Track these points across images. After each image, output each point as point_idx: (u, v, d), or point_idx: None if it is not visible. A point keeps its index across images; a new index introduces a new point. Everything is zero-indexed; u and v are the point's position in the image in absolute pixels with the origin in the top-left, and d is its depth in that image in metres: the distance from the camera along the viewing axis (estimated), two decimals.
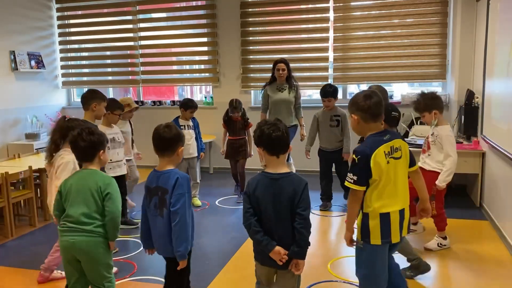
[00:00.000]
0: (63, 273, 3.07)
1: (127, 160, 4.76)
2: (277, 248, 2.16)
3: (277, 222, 2.18)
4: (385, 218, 2.31)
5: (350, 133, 4.74)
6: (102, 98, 3.87)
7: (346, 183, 2.32)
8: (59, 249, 2.71)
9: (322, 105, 4.91)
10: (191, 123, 5.12)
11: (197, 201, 5.23)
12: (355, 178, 2.27)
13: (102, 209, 2.45)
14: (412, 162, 2.48)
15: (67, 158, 3.00)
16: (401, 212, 2.35)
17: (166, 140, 2.41)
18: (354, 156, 2.31)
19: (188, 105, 5.05)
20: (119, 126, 4.50)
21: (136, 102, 7.32)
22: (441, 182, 3.60)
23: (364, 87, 7.05)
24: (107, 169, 4.11)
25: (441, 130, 3.57)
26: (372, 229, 2.32)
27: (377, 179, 2.28)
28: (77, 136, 2.50)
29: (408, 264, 3.25)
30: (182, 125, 4.99)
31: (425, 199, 2.58)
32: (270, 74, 5.42)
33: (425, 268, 3.24)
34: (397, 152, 2.34)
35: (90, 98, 3.81)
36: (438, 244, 3.77)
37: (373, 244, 2.33)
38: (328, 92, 4.71)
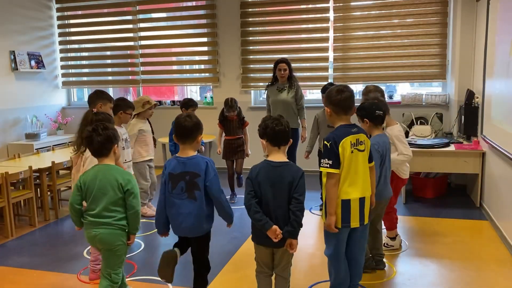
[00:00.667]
0: None
1: (149, 161, 4.77)
2: (274, 227, 2.42)
3: (275, 205, 2.45)
4: (346, 204, 2.55)
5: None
6: (108, 99, 3.89)
7: (322, 169, 2.54)
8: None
9: (322, 105, 4.91)
10: None
11: None
12: (330, 162, 2.51)
13: (122, 203, 2.59)
14: (370, 159, 2.69)
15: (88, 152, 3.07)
16: (361, 200, 2.58)
17: (188, 129, 2.63)
18: (325, 142, 2.55)
19: (188, 104, 5.07)
20: (141, 125, 4.55)
21: None
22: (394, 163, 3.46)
23: (363, 87, 7.07)
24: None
25: (391, 130, 3.50)
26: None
27: (342, 165, 2.52)
28: (92, 132, 2.59)
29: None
30: None
31: (372, 193, 2.73)
32: (270, 74, 5.39)
33: (372, 267, 3.31)
34: (361, 145, 2.58)
35: (96, 98, 3.84)
36: (384, 244, 3.71)
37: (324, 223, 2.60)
38: (326, 88, 4.62)
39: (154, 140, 4.93)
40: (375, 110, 3.13)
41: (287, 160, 2.51)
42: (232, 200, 5.36)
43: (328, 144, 2.52)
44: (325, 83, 6.47)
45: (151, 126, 4.87)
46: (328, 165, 2.51)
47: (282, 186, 2.44)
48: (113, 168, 2.63)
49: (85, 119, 3.23)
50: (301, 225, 2.47)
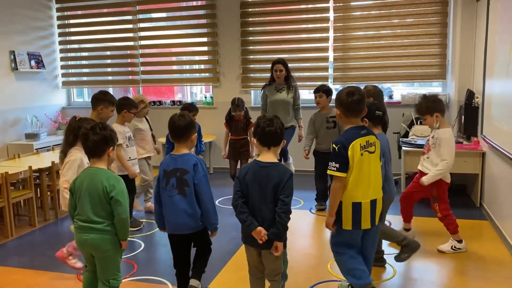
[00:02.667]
0: (80, 264, 3.33)
1: (149, 158, 4.81)
2: (259, 228, 2.42)
3: (261, 205, 2.44)
4: (356, 207, 2.54)
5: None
6: (110, 101, 3.99)
7: (329, 171, 2.55)
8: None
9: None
10: None
11: None
12: (337, 165, 2.52)
13: (110, 209, 2.47)
14: (380, 159, 2.70)
15: (74, 156, 3.12)
16: (373, 202, 2.58)
17: (181, 128, 2.68)
18: (334, 145, 2.55)
19: (189, 110, 5.10)
20: (137, 124, 4.58)
21: None
22: (425, 180, 3.62)
23: (363, 86, 7.07)
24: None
25: (442, 133, 3.54)
26: (344, 216, 2.56)
27: (352, 168, 2.51)
28: (89, 130, 2.52)
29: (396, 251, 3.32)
30: None
31: None
32: (270, 74, 5.40)
33: (416, 245, 3.26)
34: (371, 146, 2.58)
35: (99, 99, 3.94)
36: (452, 247, 3.69)
37: (347, 229, 2.59)
38: (319, 89, 4.73)
39: (154, 137, 4.94)
40: (374, 110, 3.15)
41: (276, 161, 2.50)
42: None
43: (337, 148, 2.52)
44: (325, 83, 6.51)
45: (149, 124, 4.88)
46: (335, 168, 2.53)
47: (268, 186, 2.42)
48: (101, 173, 2.51)
49: (68, 127, 3.25)
50: (286, 228, 2.45)
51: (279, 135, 2.48)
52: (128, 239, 4.10)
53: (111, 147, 2.57)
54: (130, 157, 4.24)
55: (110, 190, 2.44)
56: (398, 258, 3.26)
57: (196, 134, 2.77)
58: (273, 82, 5.32)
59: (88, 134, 2.51)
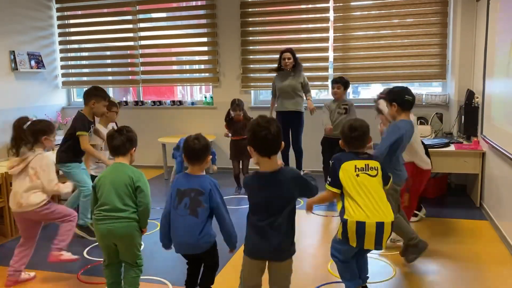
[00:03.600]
0: (31, 274, 3.35)
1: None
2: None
3: (273, 216, 2.30)
4: (360, 226, 2.51)
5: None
6: (102, 96, 4.03)
7: (326, 185, 2.69)
8: (26, 250, 3.23)
9: (323, 104, 5.22)
10: None
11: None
12: (329, 180, 2.66)
13: (134, 199, 2.72)
14: (385, 181, 2.71)
15: (46, 157, 3.24)
16: (379, 225, 2.51)
17: (196, 151, 2.66)
18: (331, 161, 2.68)
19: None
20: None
21: (136, 102, 7.37)
22: None
23: (363, 87, 7.07)
24: (94, 169, 4.19)
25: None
26: (350, 234, 2.55)
27: (347, 188, 2.57)
28: (115, 131, 2.82)
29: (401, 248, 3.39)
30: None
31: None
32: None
33: (423, 246, 3.30)
34: (372, 170, 2.62)
35: (90, 94, 4.00)
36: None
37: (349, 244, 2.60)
38: (338, 81, 5.13)
39: None
40: (404, 94, 3.22)
41: (281, 166, 2.34)
42: (237, 192, 5.55)
43: (331, 163, 2.68)
44: (325, 83, 6.52)
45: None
46: (328, 182, 2.69)
47: (277, 195, 2.28)
48: (125, 166, 2.79)
49: (15, 126, 3.30)
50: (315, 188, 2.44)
51: (279, 142, 2.27)
52: None
53: (134, 148, 2.86)
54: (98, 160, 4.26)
55: (136, 180, 2.72)
56: (407, 258, 3.29)
57: (211, 156, 2.80)
58: (280, 70, 5.61)
59: (113, 135, 2.80)
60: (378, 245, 2.56)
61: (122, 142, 2.79)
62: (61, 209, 3.42)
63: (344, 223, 2.56)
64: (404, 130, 3.20)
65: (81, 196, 4.05)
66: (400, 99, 3.22)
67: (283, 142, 2.32)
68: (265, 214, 2.31)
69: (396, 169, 3.27)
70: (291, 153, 5.69)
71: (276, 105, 5.68)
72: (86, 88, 4.15)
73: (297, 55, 6.49)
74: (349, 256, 2.72)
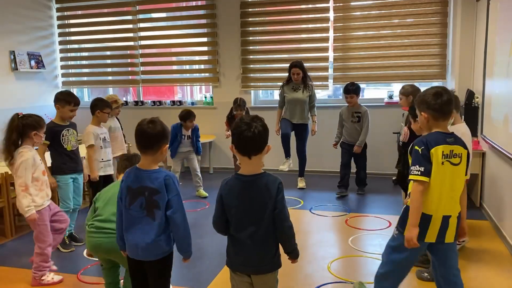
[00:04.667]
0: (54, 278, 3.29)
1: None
2: None
3: (250, 225, 2.07)
4: (425, 218, 2.28)
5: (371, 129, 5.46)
6: (106, 105, 4.20)
7: (412, 177, 2.26)
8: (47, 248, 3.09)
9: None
10: (190, 133, 5.43)
11: (203, 193, 5.53)
12: (421, 169, 2.23)
13: None
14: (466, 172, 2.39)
15: (26, 155, 3.08)
16: (445, 218, 2.29)
17: (150, 137, 2.24)
18: (416, 147, 2.27)
19: (184, 117, 5.35)
20: (109, 123, 4.60)
21: (136, 102, 7.36)
22: None
23: (363, 87, 7.06)
24: (98, 169, 4.18)
25: (459, 128, 3.18)
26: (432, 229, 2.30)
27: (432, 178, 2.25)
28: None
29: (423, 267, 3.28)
30: (184, 135, 5.37)
31: (462, 217, 2.42)
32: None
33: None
34: (455, 158, 2.28)
35: (94, 106, 4.18)
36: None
37: (405, 235, 2.30)
38: (350, 90, 5.29)
39: (124, 136, 4.97)
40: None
41: (261, 172, 2.09)
42: None
43: (420, 150, 2.25)
44: (325, 82, 6.52)
45: (120, 123, 4.93)
46: (419, 172, 2.24)
47: (256, 203, 2.05)
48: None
49: (11, 124, 3.13)
50: (294, 241, 2.15)
51: (259, 140, 2.03)
52: None
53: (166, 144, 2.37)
54: (102, 158, 4.23)
55: None
56: (421, 276, 3.22)
57: (167, 146, 2.36)
58: (290, 81, 5.66)
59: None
60: (440, 238, 2.32)
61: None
62: (42, 229, 3.20)
63: (407, 209, 2.31)
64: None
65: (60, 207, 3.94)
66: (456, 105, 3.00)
67: (269, 146, 2.08)
68: (244, 223, 2.07)
69: None
70: (294, 155, 5.77)
71: (282, 114, 5.76)
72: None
73: (297, 55, 6.53)
74: (406, 259, 2.40)
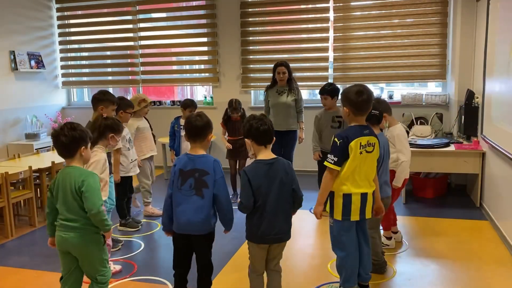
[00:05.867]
0: (117, 267, 3.34)
1: (150, 158, 4.82)
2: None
3: (277, 200, 2.57)
4: (347, 198, 2.66)
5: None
6: (111, 100, 3.92)
7: (326, 163, 2.65)
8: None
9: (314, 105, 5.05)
10: None
11: None
12: (335, 159, 2.62)
13: (82, 205, 2.44)
14: (378, 160, 2.82)
15: (99, 155, 3.13)
16: (363, 195, 2.68)
17: (198, 128, 2.68)
18: (336, 139, 2.63)
19: (187, 105, 5.15)
20: (137, 123, 4.57)
21: None
22: (396, 184, 3.54)
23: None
24: (128, 169, 4.16)
25: (393, 130, 3.58)
26: (336, 207, 2.70)
27: (349, 164, 2.61)
28: (59, 131, 2.47)
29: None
30: (182, 125, 5.09)
31: (377, 198, 2.84)
32: (270, 74, 5.35)
33: (382, 270, 3.31)
34: (370, 146, 2.67)
35: (98, 100, 3.89)
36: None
37: (338, 220, 2.71)
38: (325, 90, 4.59)
39: (154, 136, 4.94)
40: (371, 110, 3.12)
41: (276, 156, 2.64)
42: (233, 200, 5.35)
43: (338, 142, 2.61)
44: (325, 83, 6.50)
45: (149, 123, 4.87)
46: (332, 161, 2.63)
47: (277, 180, 2.57)
48: (72, 171, 2.48)
49: (94, 123, 3.28)
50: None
51: (272, 132, 2.63)
52: (128, 239, 4.14)
53: (83, 146, 2.51)
54: (132, 159, 4.25)
55: (79, 186, 2.42)
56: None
57: (213, 135, 2.79)
58: (274, 84, 5.21)
59: (58, 135, 2.46)
60: (362, 215, 2.72)
61: (65, 144, 2.45)
62: None
63: (331, 194, 2.71)
64: (381, 146, 3.13)
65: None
66: (368, 115, 3.06)
67: (274, 138, 2.66)
68: (271, 197, 2.56)
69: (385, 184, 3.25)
70: None
71: None
72: (89, 91, 4.11)
73: (297, 55, 6.52)
74: (349, 241, 2.76)
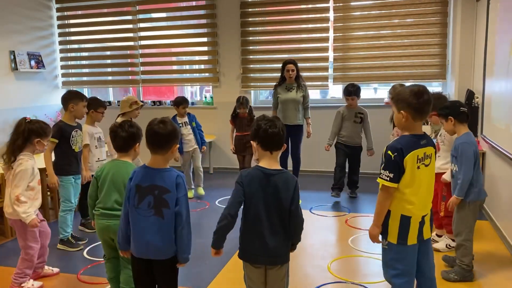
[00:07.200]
0: (54, 269, 3.36)
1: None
2: (219, 251, 2.28)
3: (267, 217, 2.18)
4: (405, 220, 2.28)
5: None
6: (79, 98, 3.96)
7: (380, 180, 2.28)
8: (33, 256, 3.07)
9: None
10: (186, 119, 5.39)
11: (201, 191, 5.56)
12: (391, 175, 2.23)
13: None
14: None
15: (25, 164, 3.06)
16: (422, 217, 2.32)
17: (162, 137, 2.26)
18: (390, 152, 2.25)
19: (179, 102, 5.31)
20: None
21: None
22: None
23: (363, 87, 7.07)
24: (94, 168, 4.15)
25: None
26: (391, 228, 2.30)
27: (405, 180, 2.25)
28: (118, 127, 2.66)
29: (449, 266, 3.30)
30: (180, 123, 5.30)
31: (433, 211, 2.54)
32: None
33: (470, 278, 3.22)
34: (427, 159, 2.31)
35: (67, 99, 3.94)
36: (447, 245, 3.73)
37: (393, 243, 2.30)
38: (351, 91, 5.13)
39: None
40: (459, 106, 3.13)
41: (281, 168, 2.23)
42: None
43: (393, 156, 2.23)
44: (325, 83, 6.52)
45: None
46: (388, 178, 2.24)
47: (275, 197, 2.17)
48: (123, 165, 2.68)
49: (17, 128, 3.11)
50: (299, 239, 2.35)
51: (282, 138, 2.21)
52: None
53: (137, 143, 2.71)
54: (99, 158, 4.26)
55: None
56: (447, 277, 3.23)
57: (178, 145, 2.38)
58: (283, 81, 5.52)
59: (117, 131, 2.65)
60: (420, 237, 2.34)
61: (123, 139, 2.64)
62: (31, 235, 3.15)
63: (387, 214, 2.31)
64: (475, 145, 3.09)
65: (60, 210, 3.97)
66: (455, 111, 3.09)
67: (285, 145, 2.26)
68: (262, 213, 2.18)
69: (475, 186, 3.15)
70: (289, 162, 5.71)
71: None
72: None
73: (297, 55, 6.52)
74: (406, 265, 2.34)
